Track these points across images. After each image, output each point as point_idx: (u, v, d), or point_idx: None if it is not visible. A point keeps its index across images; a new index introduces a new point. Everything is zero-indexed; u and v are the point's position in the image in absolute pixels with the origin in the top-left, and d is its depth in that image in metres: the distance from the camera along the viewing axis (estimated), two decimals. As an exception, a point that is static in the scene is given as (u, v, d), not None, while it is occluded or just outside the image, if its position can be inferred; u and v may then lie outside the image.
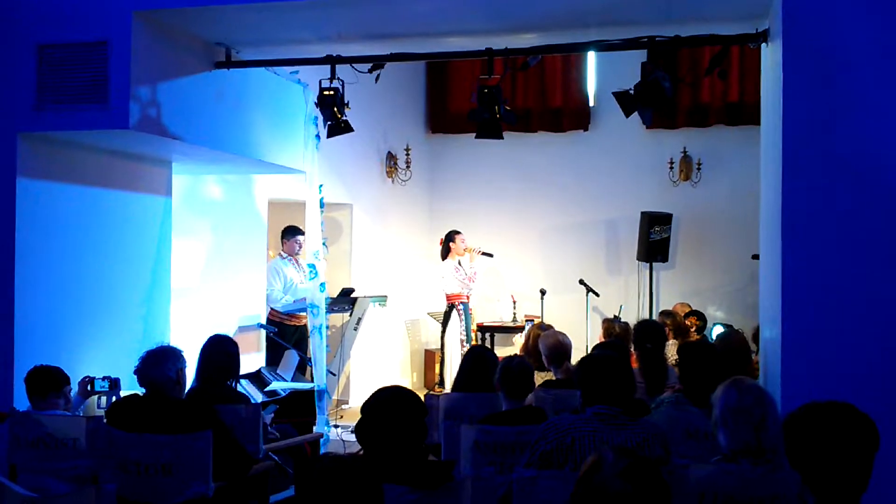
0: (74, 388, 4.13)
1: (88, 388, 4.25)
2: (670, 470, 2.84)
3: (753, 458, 2.78)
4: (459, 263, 8.25)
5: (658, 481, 1.73)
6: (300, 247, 7.08)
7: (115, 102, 4.43)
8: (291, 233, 7.16)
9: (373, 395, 2.83)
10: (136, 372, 3.66)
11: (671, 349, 5.51)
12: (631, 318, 7.83)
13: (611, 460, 1.73)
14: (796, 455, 1.97)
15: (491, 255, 8.48)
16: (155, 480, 3.43)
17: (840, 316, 3.73)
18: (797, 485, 1.97)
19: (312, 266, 6.19)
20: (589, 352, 5.03)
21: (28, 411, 3.83)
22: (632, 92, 4.43)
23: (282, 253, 7.24)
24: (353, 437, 2.79)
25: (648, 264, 9.01)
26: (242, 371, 4.96)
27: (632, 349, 5.09)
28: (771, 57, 4.27)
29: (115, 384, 4.28)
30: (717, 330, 7.27)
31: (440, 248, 8.44)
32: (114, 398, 4.17)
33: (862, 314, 3.71)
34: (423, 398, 3.18)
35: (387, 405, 2.74)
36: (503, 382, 3.89)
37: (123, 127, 4.45)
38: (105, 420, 3.67)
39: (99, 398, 4.29)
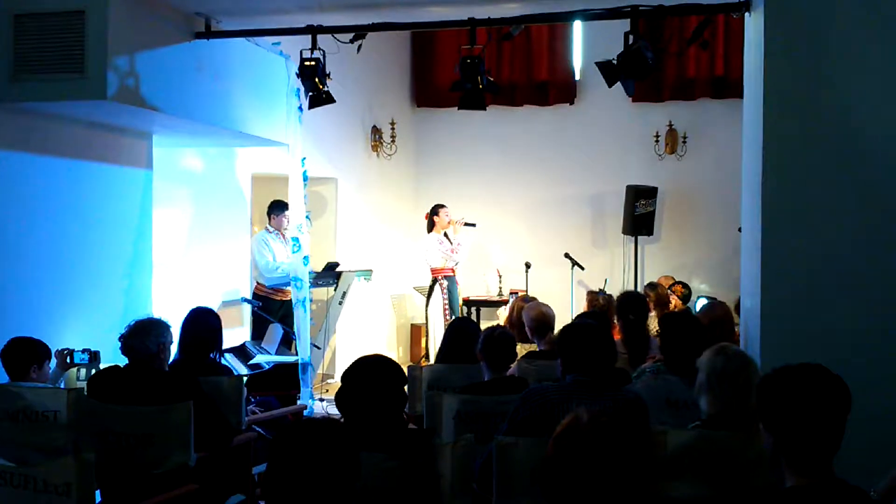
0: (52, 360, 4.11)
1: (67, 360, 4.22)
2: (649, 436, 2.86)
3: (732, 424, 2.81)
4: (445, 236, 8.24)
5: (633, 443, 1.73)
6: (288, 221, 7.04)
7: (92, 73, 4.38)
8: (279, 208, 7.11)
9: (353, 363, 2.82)
10: (120, 339, 3.65)
11: (653, 321, 5.54)
12: (616, 291, 7.85)
13: (585, 421, 1.73)
14: (769, 417, 1.97)
15: (474, 225, 8.47)
16: (136, 451, 3.43)
17: (818, 285, 3.75)
18: (770, 447, 1.98)
19: (296, 239, 6.18)
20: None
21: (7, 384, 3.81)
22: (615, 62, 4.41)
23: (268, 227, 7.20)
24: (337, 411, 2.79)
25: (633, 238, 9.04)
26: (226, 345, 4.95)
27: (615, 320, 5.12)
28: (753, 27, 4.25)
29: (95, 357, 4.26)
30: (702, 303, 7.30)
31: (426, 222, 8.43)
32: (93, 371, 4.15)
33: (839, 283, 3.73)
34: (406, 370, 3.19)
35: (366, 372, 2.74)
36: (485, 353, 3.90)
37: (101, 98, 4.40)
38: (86, 391, 3.66)
39: (79, 371, 4.26)
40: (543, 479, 1.75)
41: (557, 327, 4.86)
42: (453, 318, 7.95)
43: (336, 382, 7.85)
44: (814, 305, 3.75)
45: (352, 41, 5.07)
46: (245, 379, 4.79)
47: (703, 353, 2.96)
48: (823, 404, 1.92)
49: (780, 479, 1.99)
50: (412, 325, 9.55)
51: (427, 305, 8.26)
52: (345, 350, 8.09)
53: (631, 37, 4.36)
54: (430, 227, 8.30)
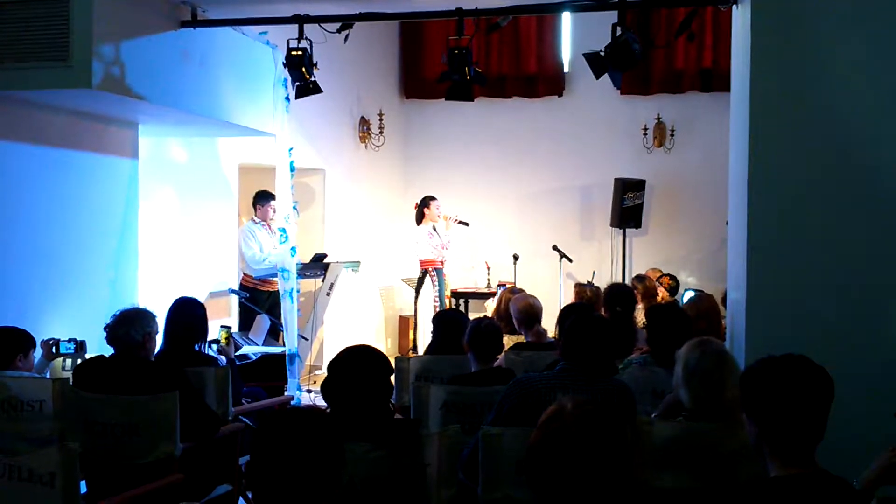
0: (38, 350, 4.08)
1: (53, 350, 4.19)
2: (634, 425, 2.88)
3: (709, 417, 2.83)
4: (434, 229, 8.24)
5: (616, 429, 1.73)
6: (274, 212, 7.01)
7: (77, 61, 4.34)
8: (265, 198, 7.09)
9: (339, 353, 2.82)
10: (105, 328, 3.63)
11: (640, 313, 5.56)
12: (603, 284, 7.86)
13: (570, 408, 1.74)
14: (753, 407, 1.98)
15: (467, 224, 8.48)
16: (122, 441, 3.42)
17: (803, 278, 3.77)
18: (754, 438, 1.99)
19: (283, 230, 6.16)
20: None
21: (-8, 373, 3.78)
22: (602, 53, 4.41)
23: (254, 218, 7.17)
24: (325, 403, 2.79)
25: (621, 230, 9.06)
26: (213, 336, 4.93)
27: (602, 312, 5.13)
28: (740, 19, 4.25)
29: (81, 346, 4.23)
30: (689, 295, 7.33)
31: (415, 212, 8.42)
32: (79, 360, 4.13)
33: (824, 276, 3.75)
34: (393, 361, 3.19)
35: (352, 362, 2.74)
36: (472, 343, 3.90)
37: (86, 86, 4.35)
38: (71, 381, 3.64)
39: (64, 361, 4.24)
40: (528, 466, 1.75)
41: (545, 319, 4.89)
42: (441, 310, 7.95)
43: (324, 373, 7.82)
44: (799, 298, 3.77)
45: (339, 31, 5.05)
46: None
47: (685, 344, 2.96)
48: (807, 395, 1.93)
49: (763, 469, 2.01)
50: (400, 316, 9.54)
51: (416, 297, 8.26)
52: (333, 341, 8.08)
53: (618, 28, 4.36)
54: (420, 218, 8.29)
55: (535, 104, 9.58)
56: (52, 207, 4.98)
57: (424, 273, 8.18)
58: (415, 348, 8.44)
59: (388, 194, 9.56)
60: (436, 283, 8.15)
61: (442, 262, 8.26)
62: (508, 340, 4.69)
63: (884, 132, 3.73)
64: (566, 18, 9.32)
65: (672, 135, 9.25)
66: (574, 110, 9.44)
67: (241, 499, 4.06)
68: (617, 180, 8.96)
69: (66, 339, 4.28)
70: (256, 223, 7.10)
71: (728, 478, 2.73)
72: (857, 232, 3.74)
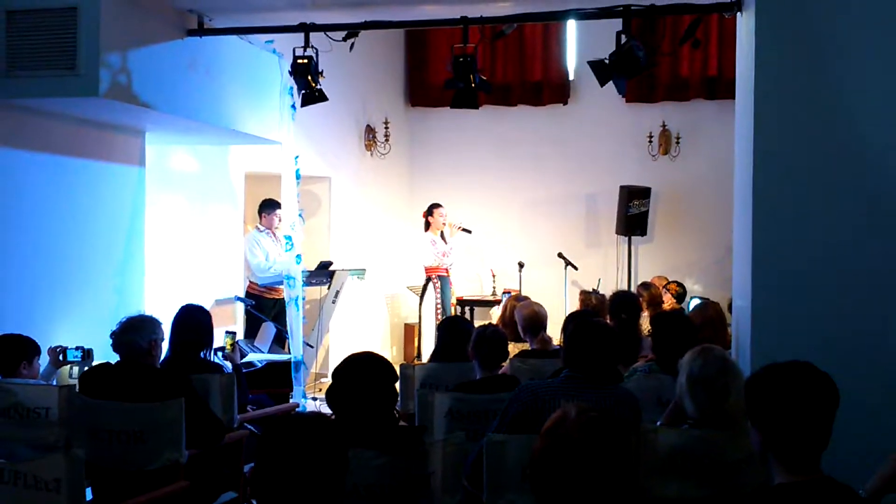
0: (44, 357, 4.10)
1: (60, 357, 4.21)
2: (641, 434, 2.87)
3: (716, 425, 2.81)
4: (442, 236, 8.26)
5: (620, 437, 1.74)
6: (279, 220, 7.03)
7: (84, 69, 4.38)
8: (270, 206, 7.11)
9: (344, 360, 2.83)
10: (111, 335, 3.64)
11: (646, 320, 5.54)
12: (609, 291, 7.85)
13: (574, 415, 1.74)
14: (758, 415, 1.98)
15: (469, 231, 8.49)
16: (127, 447, 3.42)
17: (808, 285, 3.76)
18: (759, 445, 1.99)
19: (289, 238, 6.17)
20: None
21: (-1, 380, 3.80)
22: (607, 61, 4.42)
23: (259, 226, 7.19)
24: (330, 411, 2.80)
25: (627, 238, 9.05)
26: (218, 343, 4.94)
27: (607, 320, 5.12)
28: (745, 26, 4.26)
29: (88, 354, 4.24)
30: (695, 303, 7.31)
31: (423, 220, 8.45)
32: (86, 368, 4.14)
33: (829, 283, 3.74)
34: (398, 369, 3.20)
35: (357, 369, 2.75)
36: (477, 351, 3.90)
37: (93, 94, 4.39)
38: (77, 387, 3.65)
39: (71, 368, 4.25)
40: (532, 474, 1.75)
41: (551, 327, 4.89)
42: (444, 317, 7.96)
43: (329, 381, 7.81)
44: (804, 305, 3.76)
45: (344, 39, 5.07)
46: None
47: (686, 353, 2.94)
48: (812, 402, 1.93)
49: (768, 477, 2.00)
50: (406, 324, 9.55)
51: (420, 305, 8.27)
52: (338, 349, 8.07)
53: (623, 36, 4.37)
54: (427, 226, 8.33)
55: (541, 112, 9.60)
56: (58, 215, 5.01)
57: (428, 280, 8.20)
58: (419, 355, 8.44)
59: (393, 202, 9.57)
60: (439, 290, 8.15)
61: (447, 270, 8.27)
62: (514, 348, 4.69)
63: (889, 140, 3.72)
64: (571, 26, 9.35)
65: (677, 142, 9.24)
66: (579, 118, 9.45)
67: (245, 506, 4.06)
68: (622, 188, 8.96)
69: (74, 346, 4.29)
70: (261, 231, 7.12)
71: (733, 486, 2.72)
72: (862, 240, 3.73)
